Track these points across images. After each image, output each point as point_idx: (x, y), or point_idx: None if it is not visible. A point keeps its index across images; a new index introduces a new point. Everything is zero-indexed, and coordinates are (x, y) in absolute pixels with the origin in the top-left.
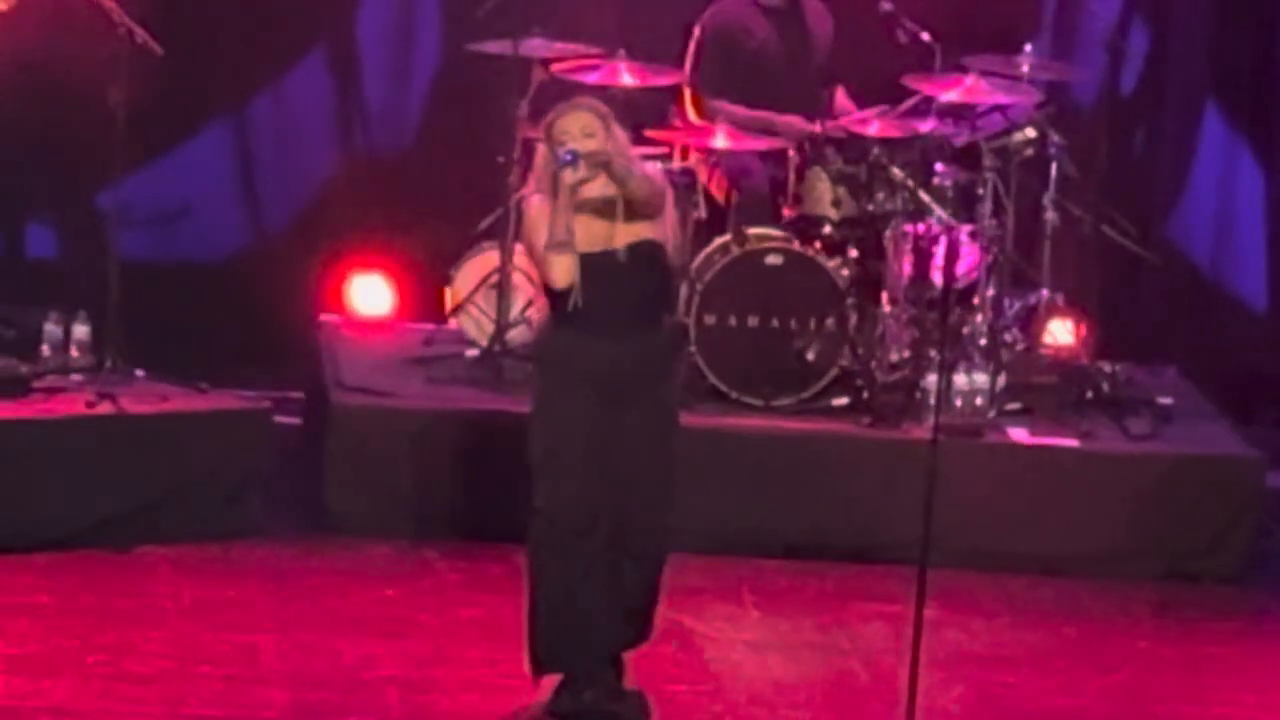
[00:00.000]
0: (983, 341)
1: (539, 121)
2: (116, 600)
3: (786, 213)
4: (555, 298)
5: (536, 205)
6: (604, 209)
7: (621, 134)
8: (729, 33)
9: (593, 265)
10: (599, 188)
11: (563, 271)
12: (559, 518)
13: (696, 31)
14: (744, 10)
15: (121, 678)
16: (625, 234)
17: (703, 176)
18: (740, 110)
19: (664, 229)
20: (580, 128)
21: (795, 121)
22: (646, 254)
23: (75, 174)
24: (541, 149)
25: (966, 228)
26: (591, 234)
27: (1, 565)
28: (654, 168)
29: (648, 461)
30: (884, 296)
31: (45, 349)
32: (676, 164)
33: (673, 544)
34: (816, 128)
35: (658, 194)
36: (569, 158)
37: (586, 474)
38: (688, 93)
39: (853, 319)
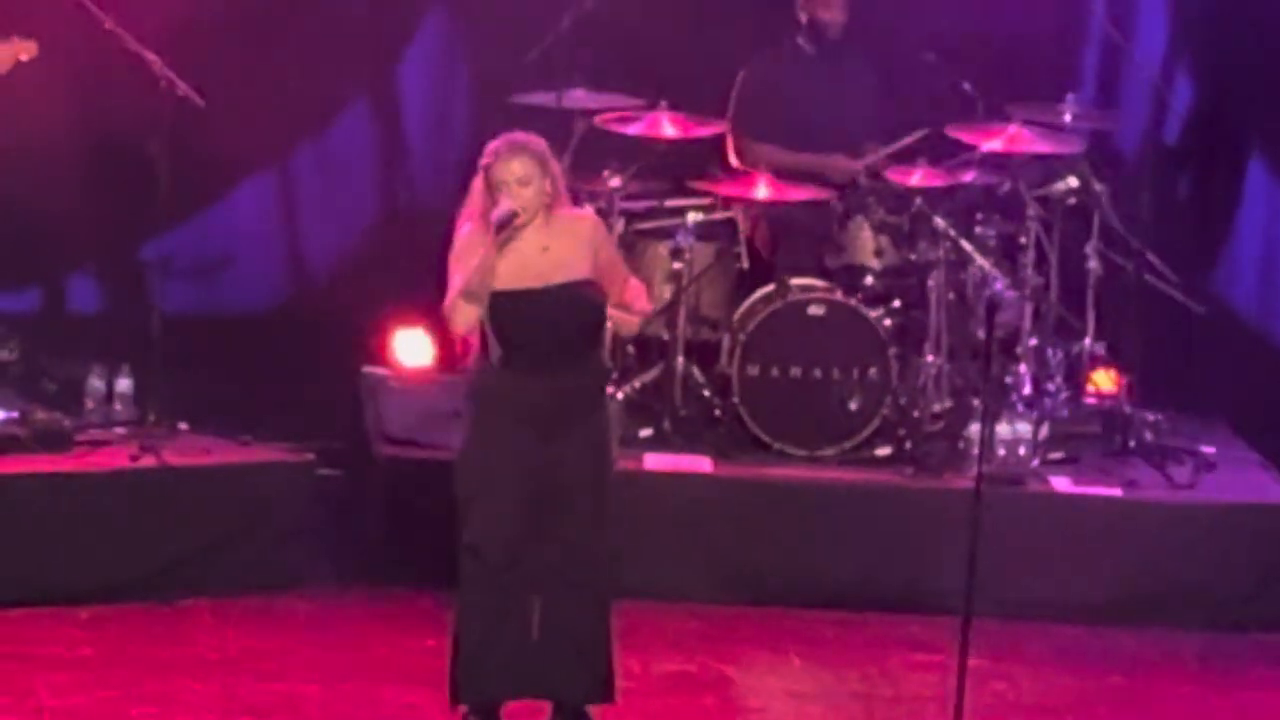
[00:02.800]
0: (1026, 391)
1: (581, 173)
2: (160, 651)
3: (829, 263)
4: (485, 335)
5: (465, 236)
6: (539, 247)
7: (558, 170)
8: (771, 79)
9: (523, 302)
10: (536, 226)
11: (464, 321)
12: (483, 553)
13: (740, 77)
14: (786, 58)
15: None
16: (559, 272)
17: (744, 227)
18: (783, 154)
19: (605, 271)
20: (516, 176)
21: (841, 162)
22: (577, 294)
23: (118, 227)
24: (478, 180)
25: (1009, 277)
26: (525, 270)
27: (46, 618)
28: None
29: (581, 493)
30: (926, 346)
31: (89, 402)
32: (718, 214)
33: (620, 584)
34: (860, 166)
35: (643, 304)
36: (503, 218)
37: (514, 510)
38: (730, 139)
39: (895, 369)
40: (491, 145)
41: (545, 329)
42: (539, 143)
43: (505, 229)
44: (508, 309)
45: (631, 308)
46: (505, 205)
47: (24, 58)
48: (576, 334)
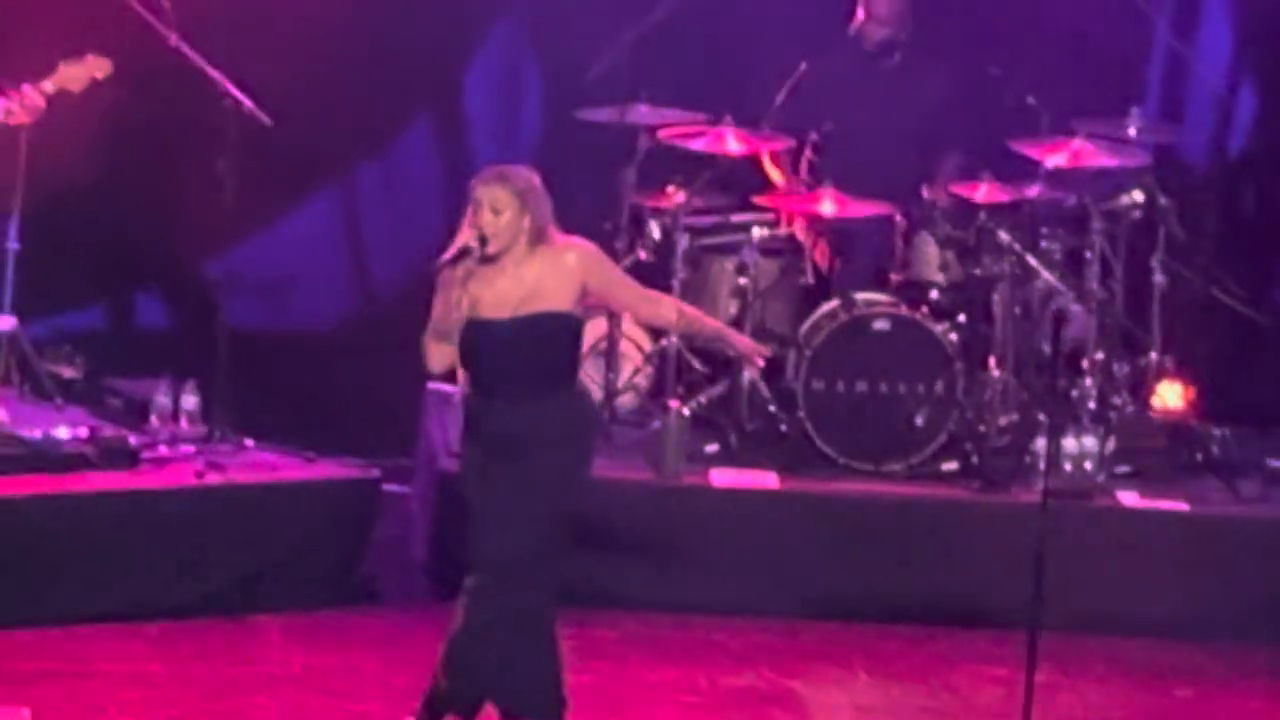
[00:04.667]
0: (1092, 405)
1: (645, 189)
2: (228, 669)
3: (894, 278)
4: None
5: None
6: (514, 279)
7: (543, 205)
8: (816, 82)
9: (485, 332)
10: (515, 258)
11: (436, 360)
12: (471, 567)
13: (795, 74)
14: (846, 61)
15: None
16: (530, 304)
17: (809, 243)
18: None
19: (607, 294)
20: (490, 201)
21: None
22: (544, 327)
23: (184, 244)
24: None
25: (1075, 291)
26: (499, 301)
27: (114, 635)
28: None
29: (525, 513)
30: (992, 361)
31: (155, 419)
32: (784, 230)
33: (556, 606)
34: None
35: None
36: (455, 253)
37: (488, 529)
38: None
39: (961, 383)
40: (483, 171)
41: (503, 358)
42: (527, 178)
43: (459, 262)
44: (469, 338)
45: (700, 320)
46: (459, 240)
47: (99, 76)
48: (539, 364)
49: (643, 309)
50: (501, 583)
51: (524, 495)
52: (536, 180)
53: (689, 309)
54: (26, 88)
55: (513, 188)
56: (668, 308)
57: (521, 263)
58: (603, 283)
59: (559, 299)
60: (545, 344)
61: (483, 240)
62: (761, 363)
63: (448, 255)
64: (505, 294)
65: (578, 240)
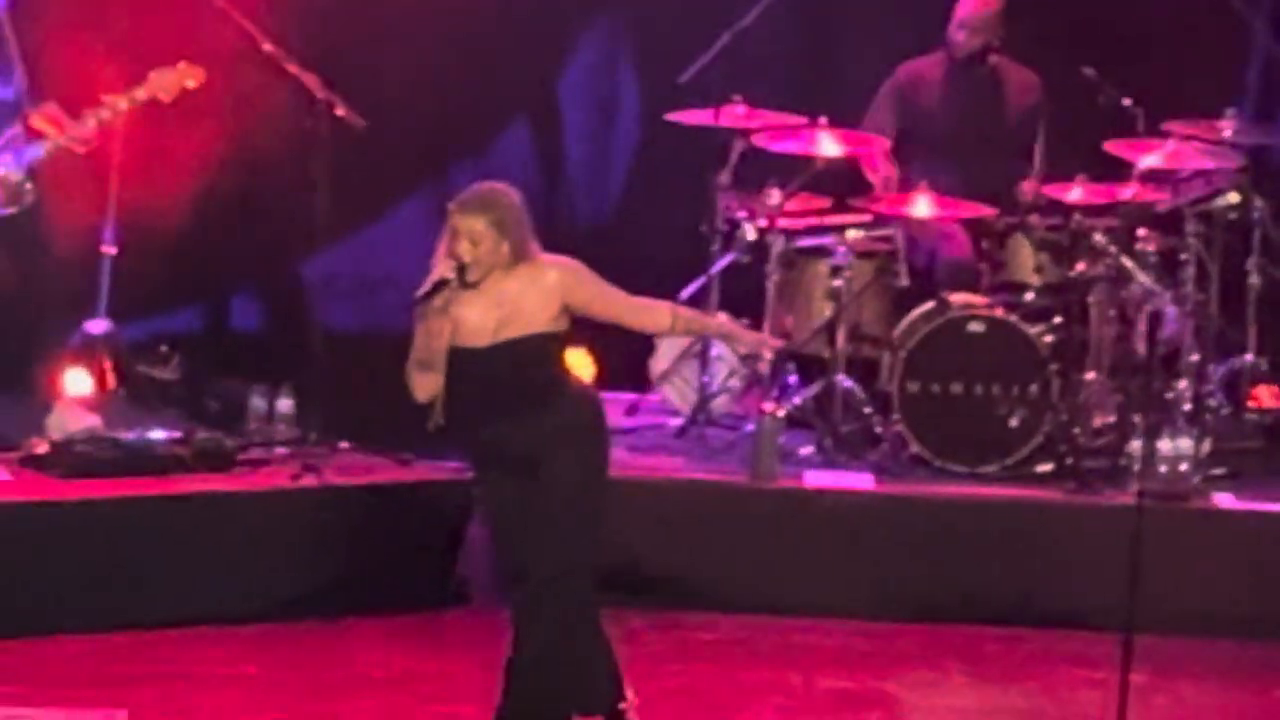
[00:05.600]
0: (1187, 407)
1: (740, 191)
2: (324, 671)
3: (989, 280)
4: None
5: (429, 281)
6: (494, 302)
7: (524, 225)
8: (908, 85)
9: (469, 361)
10: (495, 279)
11: (422, 390)
12: (511, 588)
13: (887, 81)
14: (934, 68)
15: None
16: (510, 328)
17: (904, 244)
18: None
19: (593, 309)
20: (469, 232)
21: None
22: (522, 351)
23: (279, 246)
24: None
25: (1170, 293)
26: (479, 327)
27: (210, 637)
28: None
29: (544, 524)
30: (1087, 363)
31: (250, 422)
32: (878, 231)
33: (592, 607)
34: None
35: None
36: (443, 283)
37: (521, 548)
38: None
39: (1056, 385)
40: (461, 194)
41: (488, 385)
42: (506, 204)
43: (437, 293)
44: (453, 366)
45: (700, 321)
46: (435, 272)
47: (191, 85)
48: (524, 385)
49: (635, 319)
50: (546, 597)
51: (545, 507)
52: (516, 200)
53: (685, 311)
54: (107, 100)
55: (491, 218)
56: (661, 314)
57: (501, 282)
58: (584, 300)
59: (537, 319)
60: (526, 367)
61: (461, 269)
62: (770, 354)
63: (424, 289)
64: (484, 318)
65: (560, 259)
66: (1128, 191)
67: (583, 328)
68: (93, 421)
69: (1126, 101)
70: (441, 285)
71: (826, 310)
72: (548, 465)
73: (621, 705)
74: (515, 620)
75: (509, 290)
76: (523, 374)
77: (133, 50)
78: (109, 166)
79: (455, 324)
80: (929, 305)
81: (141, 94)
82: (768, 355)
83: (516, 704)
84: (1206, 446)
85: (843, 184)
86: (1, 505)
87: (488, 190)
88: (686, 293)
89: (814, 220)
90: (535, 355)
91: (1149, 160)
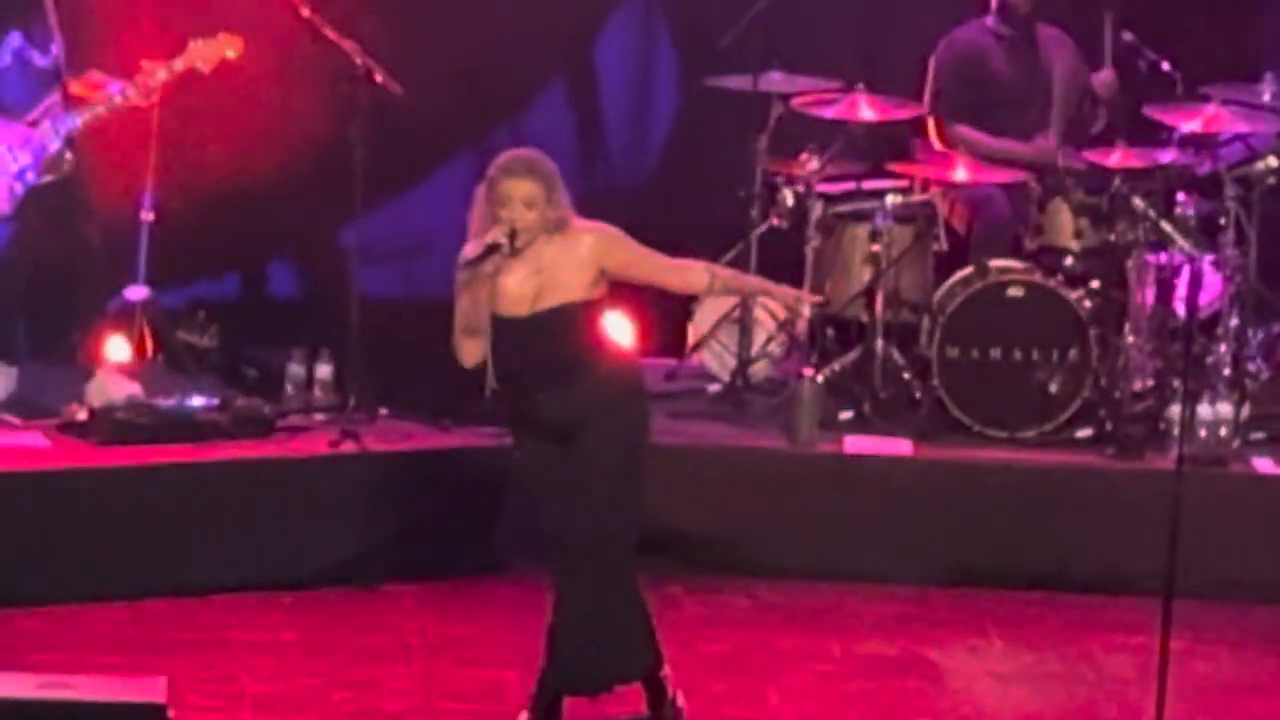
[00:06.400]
0: (1227, 371)
1: (778, 156)
2: (363, 637)
3: (1028, 244)
4: None
5: (475, 248)
6: (534, 269)
7: (563, 192)
8: (966, 57)
9: (509, 329)
10: (536, 246)
11: (470, 356)
12: (552, 556)
13: (933, 58)
14: (979, 37)
15: (368, 715)
16: (548, 297)
17: (943, 209)
18: (984, 138)
19: (629, 273)
20: (522, 197)
21: (1044, 145)
22: (559, 321)
23: (317, 213)
24: (481, 192)
25: (1209, 257)
26: (519, 295)
27: (248, 603)
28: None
29: (583, 491)
30: (1126, 327)
31: (289, 388)
32: (917, 196)
33: (632, 573)
34: (1056, 149)
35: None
36: (495, 248)
37: (561, 516)
38: (930, 121)
39: (1095, 350)
40: (501, 159)
41: (526, 354)
42: (548, 164)
43: (486, 259)
44: (494, 333)
45: (738, 280)
46: (484, 239)
47: (230, 55)
48: (562, 353)
49: (672, 279)
50: (588, 564)
51: (585, 473)
52: (553, 165)
53: (722, 270)
54: (146, 66)
55: (541, 181)
56: (697, 274)
57: (540, 249)
58: (620, 264)
59: (574, 287)
60: (563, 336)
61: (512, 235)
62: (808, 311)
63: (475, 253)
64: (523, 286)
65: (594, 224)
66: (1167, 156)
67: (620, 293)
68: (134, 389)
69: (1165, 66)
70: (493, 250)
71: (865, 275)
72: (586, 433)
73: (660, 673)
74: (555, 587)
75: (547, 257)
76: (560, 342)
77: (172, 18)
78: (147, 134)
79: (495, 292)
80: (968, 270)
81: (180, 64)
82: (806, 312)
83: (557, 670)
84: (1246, 411)
85: (881, 149)
86: (41, 472)
87: (530, 155)
88: (726, 258)
89: (852, 185)
90: (572, 323)
91: (1188, 125)
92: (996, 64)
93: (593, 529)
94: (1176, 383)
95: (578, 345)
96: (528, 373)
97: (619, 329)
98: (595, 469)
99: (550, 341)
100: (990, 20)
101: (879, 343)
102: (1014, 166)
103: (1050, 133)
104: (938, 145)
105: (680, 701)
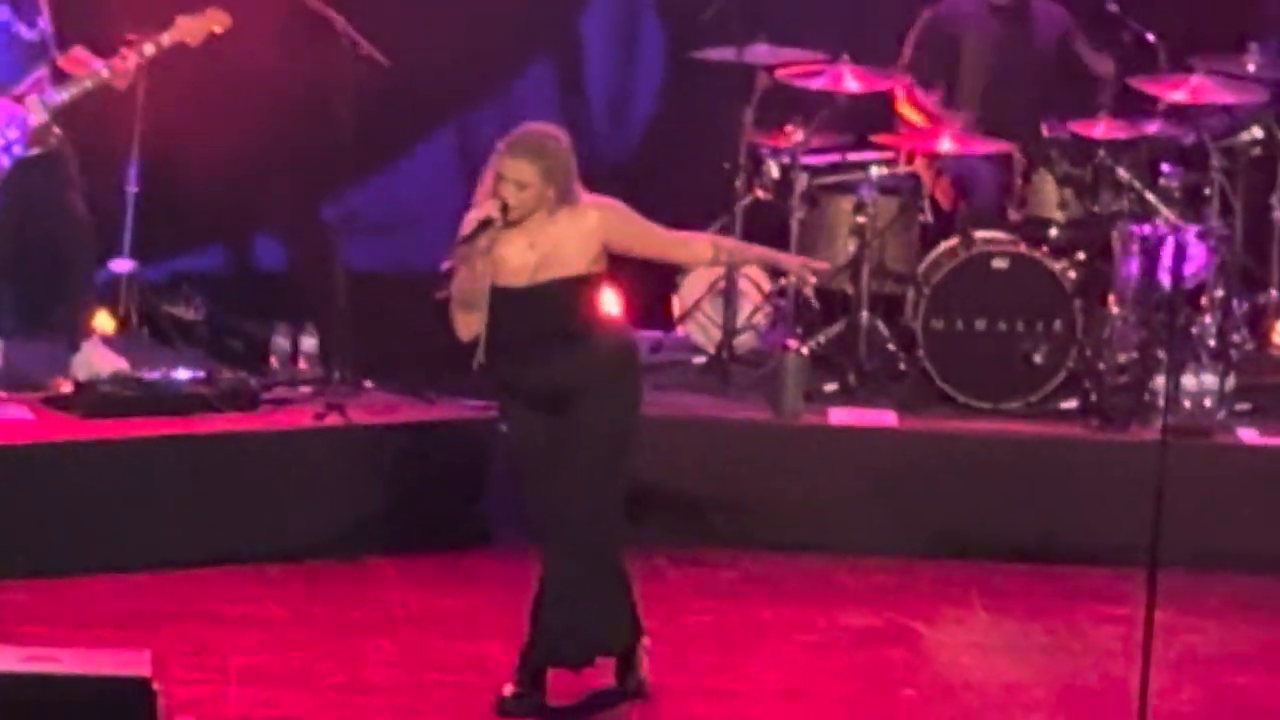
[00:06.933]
0: (1211, 342)
1: (763, 128)
2: (347, 610)
3: (1013, 215)
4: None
5: (472, 220)
6: (530, 244)
7: (569, 168)
8: (946, 25)
9: (507, 299)
10: (539, 220)
11: (465, 329)
12: (540, 527)
13: (918, 23)
14: (968, 6)
15: (352, 687)
16: (547, 270)
17: (928, 181)
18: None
19: (635, 247)
20: (515, 178)
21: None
22: (558, 293)
23: (302, 186)
24: (491, 161)
25: (1194, 228)
26: (517, 267)
27: (232, 576)
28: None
29: (573, 462)
30: (1111, 298)
31: (274, 362)
32: (902, 168)
33: (619, 546)
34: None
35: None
36: (487, 223)
37: (550, 487)
38: (899, 88)
39: (1080, 321)
40: (512, 134)
41: (524, 324)
42: (555, 145)
43: (480, 235)
44: (493, 304)
45: (742, 251)
46: (477, 213)
47: (217, 30)
48: (560, 325)
49: (676, 252)
50: (575, 536)
51: (575, 445)
52: (564, 145)
53: (726, 241)
54: (134, 41)
55: (539, 165)
56: (702, 247)
57: (542, 224)
58: (624, 237)
59: (575, 262)
60: (561, 307)
61: (504, 209)
62: (813, 278)
63: (468, 230)
64: (523, 258)
65: (600, 199)
66: (1152, 127)
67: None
68: (119, 362)
69: (1150, 37)
70: (485, 226)
71: (850, 247)
72: (578, 404)
73: (640, 647)
74: (541, 558)
75: (549, 233)
76: (558, 314)
77: None
78: (133, 106)
79: (495, 263)
80: (953, 241)
81: (167, 39)
82: (811, 279)
83: (541, 642)
84: (1230, 382)
85: (866, 120)
86: (26, 446)
87: (538, 135)
88: (711, 230)
89: (837, 157)
90: (572, 296)
91: (1173, 95)
92: (979, 34)
93: (579, 501)
94: (1161, 354)
95: (576, 318)
96: (524, 342)
97: (610, 301)
98: (585, 441)
99: (548, 313)
100: None
101: (864, 314)
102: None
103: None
104: (905, 110)
105: (647, 675)
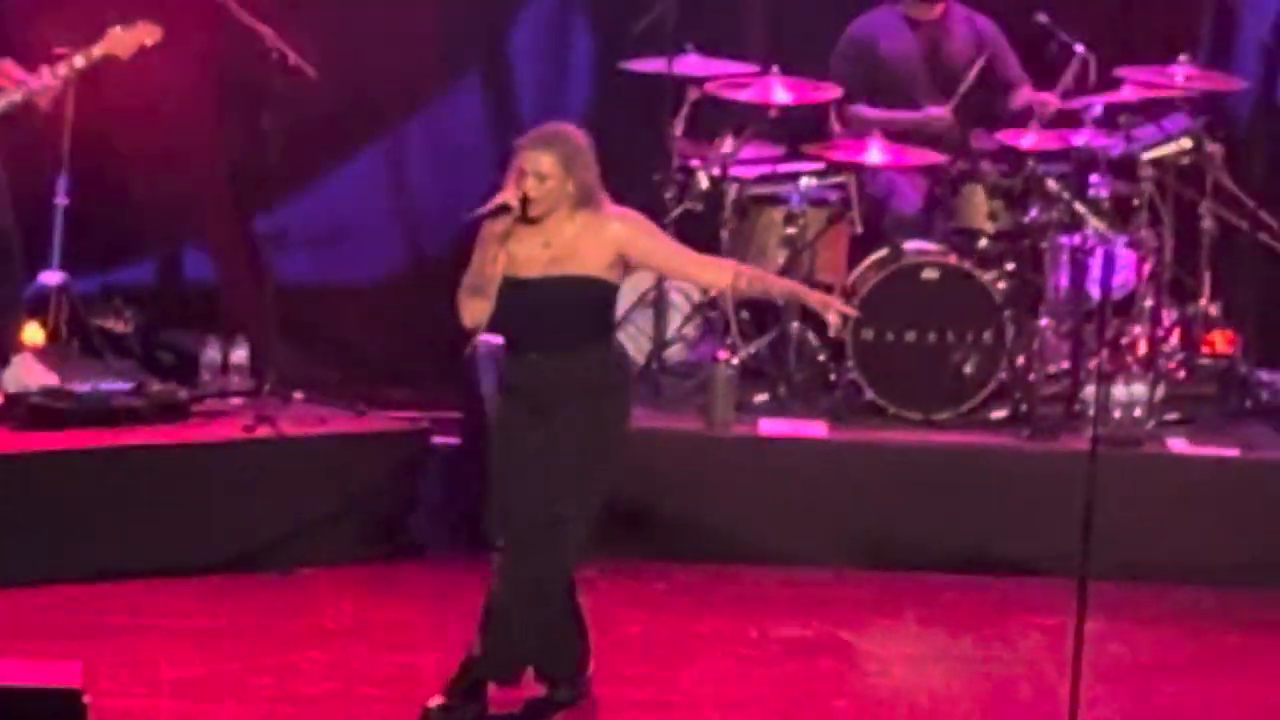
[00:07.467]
0: (1141, 352)
1: (693, 139)
2: (278, 622)
3: (942, 226)
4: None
5: (485, 226)
6: (546, 240)
7: (591, 169)
8: (869, 39)
9: (518, 290)
10: (559, 218)
11: (470, 316)
12: (505, 529)
13: (840, 40)
14: (889, 20)
15: (284, 699)
16: (561, 266)
17: (856, 193)
18: (876, 113)
19: (652, 261)
20: (536, 169)
21: (934, 112)
22: (572, 288)
23: (232, 198)
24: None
25: (1123, 239)
26: (531, 260)
27: (163, 589)
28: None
29: (563, 472)
30: (1041, 309)
31: (204, 373)
32: (831, 179)
33: (585, 557)
34: (947, 113)
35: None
36: (491, 210)
37: (522, 489)
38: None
39: (1010, 332)
40: (533, 130)
41: (532, 316)
42: (573, 140)
43: (497, 217)
44: (502, 295)
45: (764, 280)
46: (498, 198)
47: (148, 43)
48: (567, 322)
49: (697, 273)
50: (538, 544)
51: (556, 452)
52: (584, 142)
53: (749, 269)
54: (64, 53)
55: (559, 154)
56: (724, 271)
57: (562, 224)
58: (645, 252)
59: (592, 265)
60: (573, 305)
61: (524, 202)
62: (836, 319)
63: (486, 209)
64: (536, 254)
65: (625, 211)
66: (1080, 138)
67: None
68: (49, 375)
69: (1079, 48)
70: (503, 210)
71: (780, 258)
72: (567, 409)
73: (585, 674)
74: (499, 565)
75: (566, 232)
76: (570, 310)
77: (91, 5)
78: (61, 119)
79: (510, 258)
80: (882, 252)
81: (98, 51)
82: (834, 320)
83: (488, 650)
84: (1160, 391)
85: (796, 132)
86: None
87: (557, 128)
88: None
89: (767, 168)
90: (585, 295)
91: (1101, 106)
92: (900, 47)
93: (552, 509)
94: (1091, 364)
95: (582, 319)
96: (529, 333)
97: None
98: (567, 448)
99: (556, 307)
100: (901, 4)
101: (794, 325)
102: (914, 139)
103: (946, 104)
104: (836, 126)
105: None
